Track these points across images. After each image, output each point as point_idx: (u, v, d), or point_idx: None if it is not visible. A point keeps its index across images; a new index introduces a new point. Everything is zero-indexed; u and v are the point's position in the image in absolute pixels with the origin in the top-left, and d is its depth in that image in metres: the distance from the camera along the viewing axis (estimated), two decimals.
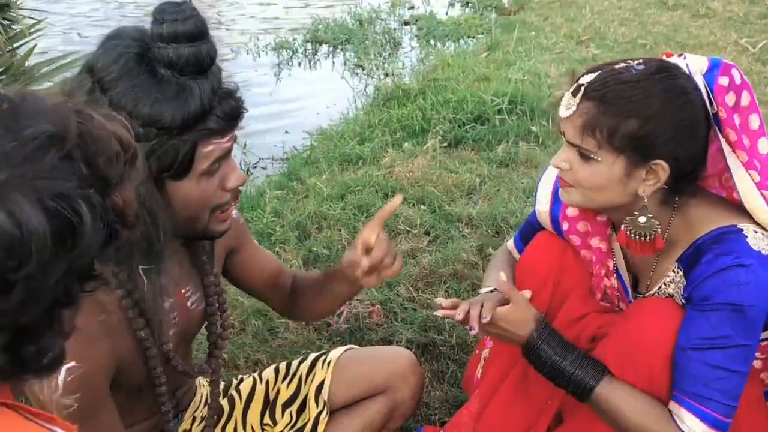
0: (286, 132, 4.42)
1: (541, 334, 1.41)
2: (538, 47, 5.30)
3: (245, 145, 4.06)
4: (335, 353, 1.74)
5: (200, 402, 1.63)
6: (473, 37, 6.31)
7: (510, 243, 1.73)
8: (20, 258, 0.64)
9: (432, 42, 6.26)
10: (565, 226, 1.54)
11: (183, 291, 1.41)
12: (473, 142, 3.58)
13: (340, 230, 2.76)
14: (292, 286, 1.70)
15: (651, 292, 1.41)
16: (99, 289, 0.76)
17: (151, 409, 1.43)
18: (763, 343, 1.38)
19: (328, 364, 1.70)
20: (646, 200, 1.29)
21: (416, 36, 6.54)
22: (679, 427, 1.27)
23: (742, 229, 1.27)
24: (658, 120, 1.23)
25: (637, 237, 1.33)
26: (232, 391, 1.71)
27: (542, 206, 1.57)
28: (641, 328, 1.33)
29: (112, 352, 1.25)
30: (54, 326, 0.72)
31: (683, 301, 1.32)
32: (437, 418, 1.90)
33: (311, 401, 1.66)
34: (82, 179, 0.69)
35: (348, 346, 1.79)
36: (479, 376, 1.69)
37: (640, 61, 1.27)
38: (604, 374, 1.35)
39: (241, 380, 1.74)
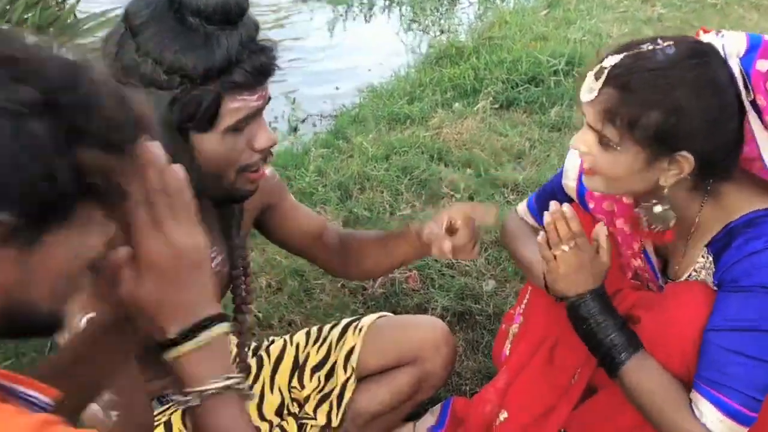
0: (337, 88, 4.36)
1: (596, 290, 1.34)
2: (601, 5, 5.08)
3: (294, 100, 4.04)
4: (367, 320, 1.72)
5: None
6: None
7: (521, 208, 1.65)
8: None
9: None
10: (591, 205, 1.49)
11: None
12: (526, 104, 3.47)
13: (382, 192, 2.72)
14: (341, 242, 1.68)
15: (681, 278, 1.35)
16: None
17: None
18: None
19: (360, 330, 1.69)
20: (666, 190, 1.23)
21: None
22: (695, 414, 1.21)
23: None
24: (683, 112, 1.15)
25: (647, 225, 1.28)
26: (262, 352, 1.71)
27: (569, 181, 1.50)
28: (675, 312, 1.26)
29: None
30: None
31: (715, 288, 1.25)
32: (468, 388, 1.88)
33: (339, 368, 1.65)
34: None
35: (381, 314, 1.77)
36: (507, 352, 1.65)
37: (671, 42, 1.18)
38: (638, 350, 1.30)
39: (272, 341, 1.75)
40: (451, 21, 5.34)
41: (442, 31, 5.23)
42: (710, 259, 1.26)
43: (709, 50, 1.20)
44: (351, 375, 1.64)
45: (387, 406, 1.69)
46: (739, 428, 1.20)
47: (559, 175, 1.54)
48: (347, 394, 1.64)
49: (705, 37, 1.23)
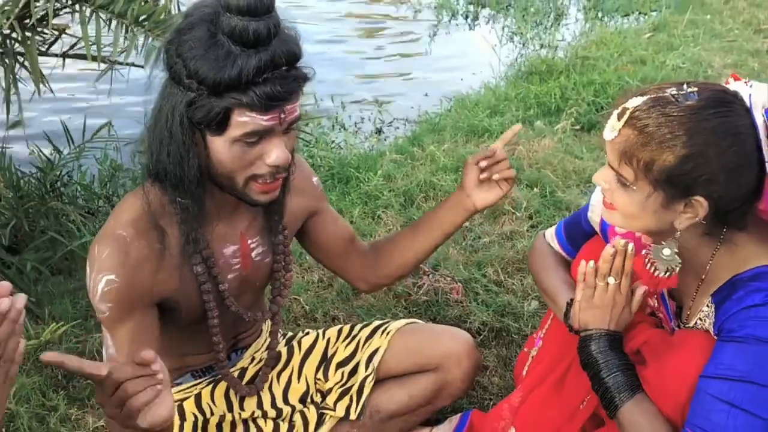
0: (426, 95, 4.45)
1: (612, 333, 1.38)
2: (709, 32, 4.95)
3: (381, 103, 4.15)
4: (396, 324, 1.80)
5: (262, 345, 1.74)
6: (645, 14, 5.98)
7: (549, 233, 1.68)
8: None
9: (599, 15, 6.01)
10: (612, 240, 1.50)
11: (249, 242, 1.51)
12: None
13: None
14: (372, 247, 1.77)
15: (690, 324, 1.36)
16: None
17: (209, 343, 1.56)
18: None
19: (387, 333, 1.77)
20: (678, 233, 1.24)
21: (584, 7, 6.29)
22: None
23: None
24: (698, 159, 1.16)
25: (650, 267, 1.29)
26: (294, 342, 1.81)
27: (594, 215, 1.53)
28: (674, 359, 1.28)
29: (155, 278, 1.37)
30: None
31: (714, 337, 1.26)
32: (492, 403, 1.92)
33: (362, 366, 1.73)
34: None
35: (411, 320, 1.84)
36: (525, 373, 1.69)
37: (695, 89, 1.19)
38: (635, 392, 1.32)
39: (307, 333, 1.84)
40: (553, 37, 5.31)
41: (542, 46, 5.21)
42: (713, 308, 1.27)
43: (733, 99, 1.20)
44: (371, 373, 1.72)
45: (404, 408, 1.75)
46: None
47: (587, 207, 1.57)
48: (365, 391, 1.71)
49: (734, 85, 1.23)
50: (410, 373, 1.77)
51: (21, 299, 0.92)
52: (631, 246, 1.35)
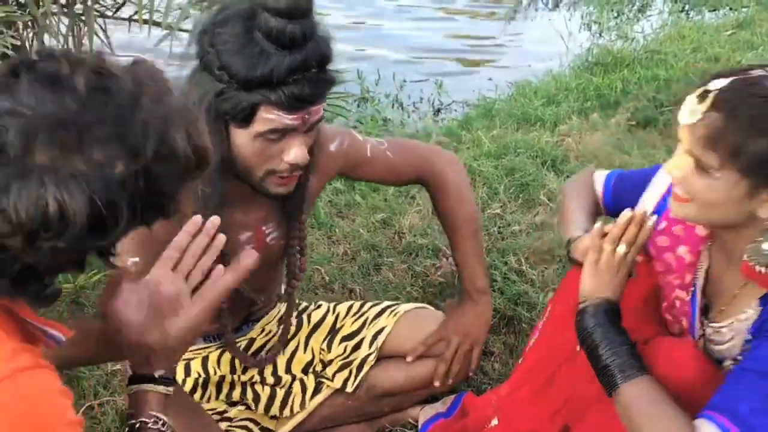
0: (489, 79, 4.44)
1: (611, 301, 1.33)
2: None
3: (441, 84, 4.17)
4: (405, 307, 1.85)
5: (274, 318, 1.82)
6: (736, 10, 5.74)
7: (599, 176, 1.61)
8: (53, 234, 0.78)
9: (685, 8, 5.81)
10: (662, 224, 1.42)
11: (263, 228, 1.57)
12: (663, 127, 3.37)
13: (483, 186, 2.80)
14: (432, 200, 1.85)
15: (720, 324, 1.32)
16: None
17: (216, 316, 1.63)
18: None
19: (395, 314, 1.82)
20: (767, 223, 1.16)
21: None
22: None
23: None
24: None
25: (764, 268, 1.19)
26: (305, 315, 1.87)
27: (646, 204, 1.44)
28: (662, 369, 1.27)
29: None
30: (59, 274, 0.88)
31: (746, 341, 1.23)
32: (489, 387, 1.95)
33: (366, 343, 1.79)
34: (137, 190, 0.82)
35: (420, 305, 1.89)
36: (520, 361, 1.72)
37: None
38: (636, 374, 1.25)
39: (318, 306, 1.90)
40: (631, 28, 5.17)
41: (618, 37, 5.09)
42: (759, 311, 1.22)
43: None
44: (374, 351, 1.78)
45: (400, 388, 1.81)
46: None
47: (646, 178, 1.49)
48: (365, 368, 1.78)
49: None
50: None
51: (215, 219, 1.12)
52: (653, 219, 1.30)
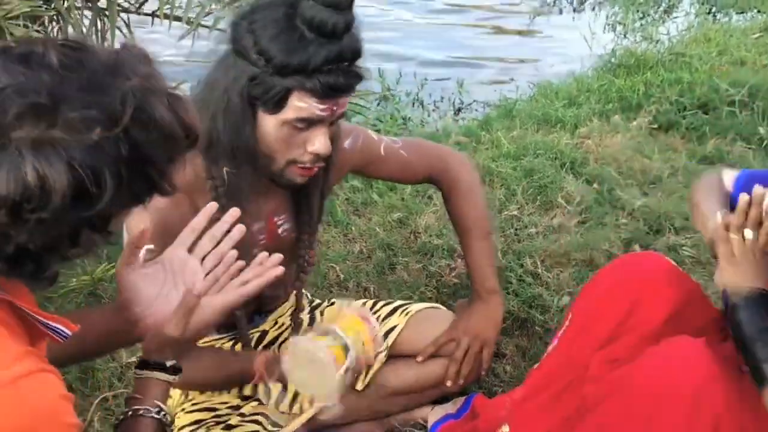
0: (512, 79, 4.42)
1: (752, 296, 1.28)
2: None
3: (462, 83, 4.16)
4: (417, 306, 1.86)
5: (286, 311, 1.84)
6: (764, 12, 5.66)
7: (728, 175, 1.55)
8: (36, 205, 0.77)
9: (712, 10, 5.74)
10: None
11: (275, 219, 1.59)
12: (685, 130, 3.34)
13: (501, 188, 2.80)
14: (445, 202, 1.88)
15: None
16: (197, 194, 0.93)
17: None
18: None
19: (407, 314, 1.83)
20: None
21: (698, 0, 6.02)
22: None
23: None
24: None
25: None
26: (317, 312, 1.89)
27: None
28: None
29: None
30: (56, 254, 0.85)
31: None
32: (501, 390, 1.95)
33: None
34: (119, 157, 0.81)
35: (433, 305, 1.90)
36: (536, 366, 1.72)
37: None
38: None
39: (332, 303, 1.92)
40: (656, 29, 5.12)
41: (643, 38, 5.04)
42: None
43: None
44: (384, 350, 1.79)
45: (411, 387, 1.81)
46: None
47: None
48: (375, 366, 1.78)
49: None
50: None
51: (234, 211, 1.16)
52: None
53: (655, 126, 3.38)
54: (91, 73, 0.82)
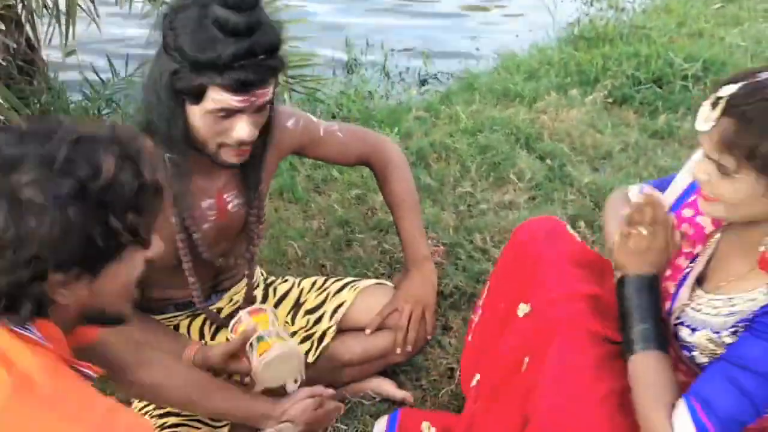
0: (477, 49, 4.49)
1: (649, 277, 1.42)
2: None
3: (427, 55, 4.22)
4: (365, 283, 1.98)
5: (241, 289, 1.96)
6: None
7: (633, 189, 1.67)
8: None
9: None
10: (692, 197, 1.53)
11: (225, 196, 1.72)
12: (639, 105, 3.45)
13: (456, 164, 2.90)
14: (379, 184, 2.03)
15: (718, 297, 1.40)
16: None
17: (185, 283, 1.78)
18: None
19: (356, 290, 1.96)
20: None
21: None
22: (671, 420, 1.26)
23: None
24: None
25: None
26: (271, 288, 2.01)
27: (670, 196, 1.55)
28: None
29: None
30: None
31: (746, 319, 1.31)
32: (446, 362, 2.08)
33: (327, 316, 1.93)
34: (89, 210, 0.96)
35: (380, 281, 2.02)
36: (469, 339, 1.85)
37: None
38: (657, 347, 1.36)
39: (285, 280, 2.04)
40: None
41: (609, 6, 5.10)
42: (765, 299, 1.28)
43: None
44: (333, 325, 1.92)
45: (360, 359, 1.94)
46: None
47: (670, 180, 1.59)
48: (326, 340, 1.91)
49: None
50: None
51: None
52: (658, 194, 1.39)
53: (610, 100, 3.48)
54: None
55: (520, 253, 1.73)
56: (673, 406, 1.28)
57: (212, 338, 1.89)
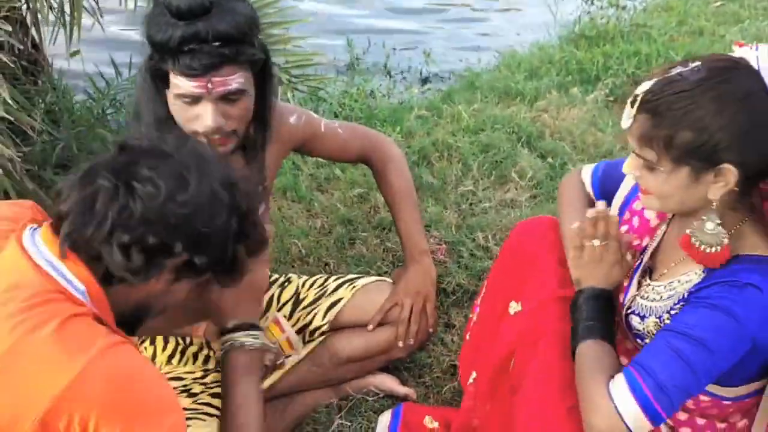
0: (478, 47, 4.50)
1: (602, 290, 1.47)
2: None
3: (428, 54, 4.24)
4: (365, 281, 2.00)
5: None
6: None
7: (586, 172, 1.73)
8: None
9: None
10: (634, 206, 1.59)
11: None
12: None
13: (458, 163, 2.93)
14: (378, 182, 2.06)
15: (661, 283, 1.44)
16: None
17: None
18: (746, 400, 1.41)
19: (354, 287, 1.98)
20: (715, 204, 1.30)
21: None
22: (609, 389, 1.30)
23: None
24: (711, 129, 1.23)
25: (702, 247, 1.31)
26: (275, 290, 2.02)
27: (622, 190, 1.61)
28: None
29: None
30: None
31: (683, 299, 1.35)
32: (448, 359, 2.11)
33: (321, 312, 1.95)
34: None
35: (380, 278, 2.04)
36: (468, 337, 1.87)
37: (698, 64, 1.25)
38: (600, 338, 1.41)
39: (288, 279, 2.06)
40: None
41: (610, 4, 5.11)
42: (701, 276, 1.34)
43: (734, 65, 1.26)
44: (326, 323, 1.94)
45: (362, 355, 1.97)
46: (643, 421, 1.26)
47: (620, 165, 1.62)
48: (318, 336, 1.94)
49: (739, 51, 1.29)
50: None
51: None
52: (611, 210, 1.45)
53: (611, 99, 3.50)
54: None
55: (515, 253, 1.75)
56: (612, 378, 1.32)
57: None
